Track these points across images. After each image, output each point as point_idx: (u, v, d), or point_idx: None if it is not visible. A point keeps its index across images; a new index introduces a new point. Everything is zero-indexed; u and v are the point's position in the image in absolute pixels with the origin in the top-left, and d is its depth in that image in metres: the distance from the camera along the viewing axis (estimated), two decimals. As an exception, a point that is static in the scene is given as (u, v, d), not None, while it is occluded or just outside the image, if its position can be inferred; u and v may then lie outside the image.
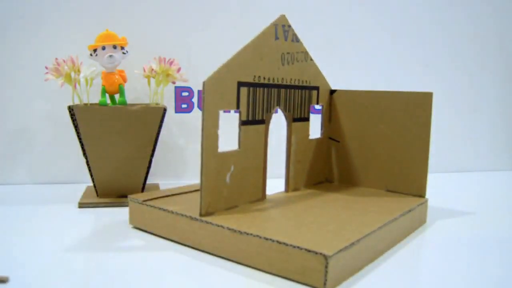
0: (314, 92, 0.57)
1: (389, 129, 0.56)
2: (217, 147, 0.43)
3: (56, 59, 0.55)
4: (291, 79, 0.52)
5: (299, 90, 0.54)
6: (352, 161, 0.60)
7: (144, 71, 0.61)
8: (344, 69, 0.81)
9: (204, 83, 0.40)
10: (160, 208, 0.45)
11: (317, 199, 0.52)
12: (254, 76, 0.47)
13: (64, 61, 0.55)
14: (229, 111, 0.46)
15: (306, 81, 0.55)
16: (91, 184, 0.63)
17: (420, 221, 0.52)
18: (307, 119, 0.56)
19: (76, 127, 0.56)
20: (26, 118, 0.69)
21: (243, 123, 0.46)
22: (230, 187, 0.45)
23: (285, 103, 0.52)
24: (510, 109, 0.96)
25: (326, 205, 0.49)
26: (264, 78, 0.48)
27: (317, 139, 0.59)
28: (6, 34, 0.67)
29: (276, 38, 0.49)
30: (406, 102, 0.54)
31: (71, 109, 0.55)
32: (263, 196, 0.51)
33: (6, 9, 0.66)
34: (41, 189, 0.67)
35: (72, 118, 0.55)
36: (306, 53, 0.54)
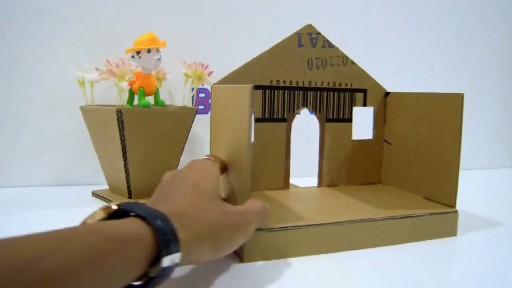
0: (359, 95, 0.59)
1: (427, 133, 0.53)
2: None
3: (108, 60, 0.57)
4: (322, 82, 0.57)
5: (335, 92, 0.57)
6: (399, 164, 0.59)
7: (187, 65, 0.62)
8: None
9: (212, 87, 0.50)
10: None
11: (338, 195, 0.54)
12: (271, 80, 0.54)
13: (118, 64, 0.57)
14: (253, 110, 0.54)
15: (346, 84, 0.58)
16: (94, 186, 0.65)
17: (440, 232, 0.48)
18: (347, 120, 0.59)
19: (121, 130, 0.55)
20: (26, 118, 0.67)
21: (257, 120, 0.54)
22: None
23: (314, 104, 0.57)
24: (510, 109, 0.98)
25: (333, 200, 0.52)
26: (285, 82, 0.55)
27: (366, 140, 0.61)
28: (6, 34, 0.65)
29: (300, 45, 0.55)
30: (440, 104, 0.51)
31: (119, 112, 0.54)
32: (285, 185, 0.57)
33: (6, 9, 0.65)
34: (41, 190, 0.65)
35: (118, 120, 0.54)
36: (344, 57, 0.57)
